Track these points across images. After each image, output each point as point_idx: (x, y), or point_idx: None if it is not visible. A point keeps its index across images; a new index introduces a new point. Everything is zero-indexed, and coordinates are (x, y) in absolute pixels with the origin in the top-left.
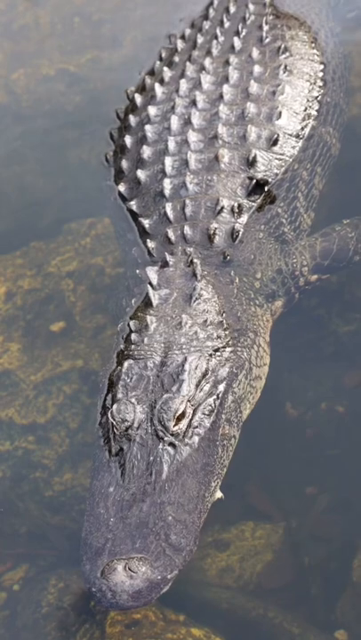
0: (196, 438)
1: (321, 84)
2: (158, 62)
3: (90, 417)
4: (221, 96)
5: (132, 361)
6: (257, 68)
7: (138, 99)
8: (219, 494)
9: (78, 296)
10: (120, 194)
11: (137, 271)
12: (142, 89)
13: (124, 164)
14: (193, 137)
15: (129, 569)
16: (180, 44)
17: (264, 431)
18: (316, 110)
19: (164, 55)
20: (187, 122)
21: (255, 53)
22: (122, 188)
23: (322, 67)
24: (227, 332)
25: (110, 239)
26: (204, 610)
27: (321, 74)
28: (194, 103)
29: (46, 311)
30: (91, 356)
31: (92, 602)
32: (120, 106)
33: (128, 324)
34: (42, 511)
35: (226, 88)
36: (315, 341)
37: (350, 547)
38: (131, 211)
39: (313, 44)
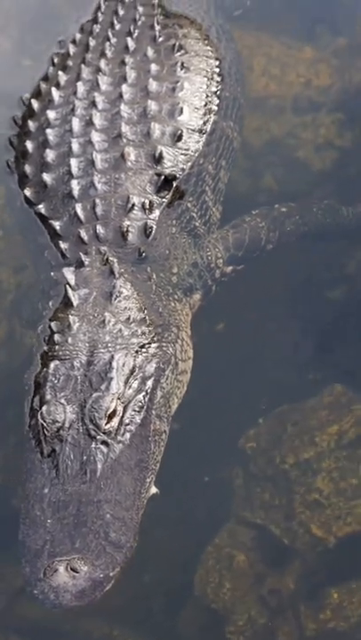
0: (128, 435)
1: (218, 79)
2: (52, 68)
3: None
4: (121, 95)
5: (57, 362)
6: (154, 67)
7: (35, 104)
8: (154, 490)
9: None
10: (26, 198)
11: (52, 274)
12: (38, 94)
13: (28, 168)
14: (96, 137)
15: (71, 569)
16: (71, 49)
17: None
18: (217, 105)
19: (56, 60)
20: (88, 123)
21: (150, 52)
22: (28, 192)
23: (217, 62)
24: (150, 329)
25: None
26: (46, 632)
27: (217, 69)
28: (94, 104)
29: None
30: None
31: None
32: None
33: (49, 326)
34: None
35: (125, 87)
36: None
37: (192, 562)
38: (39, 214)
39: (206, 42)
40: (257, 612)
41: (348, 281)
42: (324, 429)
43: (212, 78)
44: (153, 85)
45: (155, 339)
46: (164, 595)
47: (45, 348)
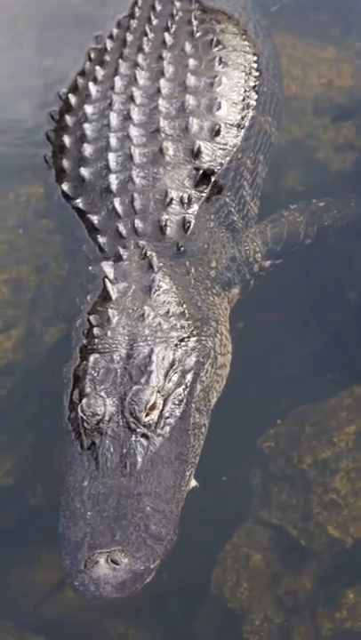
0: (167, 428)
1: (256, 74)
2: (88, 63)
3: None
4: (159, 90)
5: (97, 355)
6: (192, 62)
7: (72, 99)
8: (193, 483)
9: None
10: (64, 192)
11: (90, 267)
12: (75, 89)
13: (65, 163)
14: (134, 132)
15: (111, 561)
16: (108, 44)
17: None
18: (255, 100)
19: (93, 55)
20: (126, 117)
21: (188, 47)
22: (65, 186)
23: (255, 57)
24: (189, 322)
25: None
26: (63, 629)
27: (255, 64)
28: (132, 99)
29: None
30: None
31: None
32: None
33: (88, 320)
34: None
35: (163, 82)
36: None
37: (209, 561)
38: (77, 208)
39: (244, 37)
40: (273, 611)
41: None
42: (343, 429)
43: (249, 73)
44: (191, 80)
45: (194, 332)
46: (182, 594)
47: (85, 341)
